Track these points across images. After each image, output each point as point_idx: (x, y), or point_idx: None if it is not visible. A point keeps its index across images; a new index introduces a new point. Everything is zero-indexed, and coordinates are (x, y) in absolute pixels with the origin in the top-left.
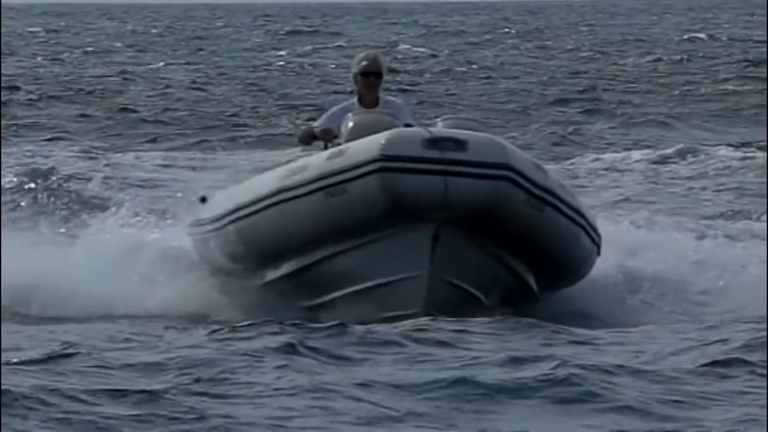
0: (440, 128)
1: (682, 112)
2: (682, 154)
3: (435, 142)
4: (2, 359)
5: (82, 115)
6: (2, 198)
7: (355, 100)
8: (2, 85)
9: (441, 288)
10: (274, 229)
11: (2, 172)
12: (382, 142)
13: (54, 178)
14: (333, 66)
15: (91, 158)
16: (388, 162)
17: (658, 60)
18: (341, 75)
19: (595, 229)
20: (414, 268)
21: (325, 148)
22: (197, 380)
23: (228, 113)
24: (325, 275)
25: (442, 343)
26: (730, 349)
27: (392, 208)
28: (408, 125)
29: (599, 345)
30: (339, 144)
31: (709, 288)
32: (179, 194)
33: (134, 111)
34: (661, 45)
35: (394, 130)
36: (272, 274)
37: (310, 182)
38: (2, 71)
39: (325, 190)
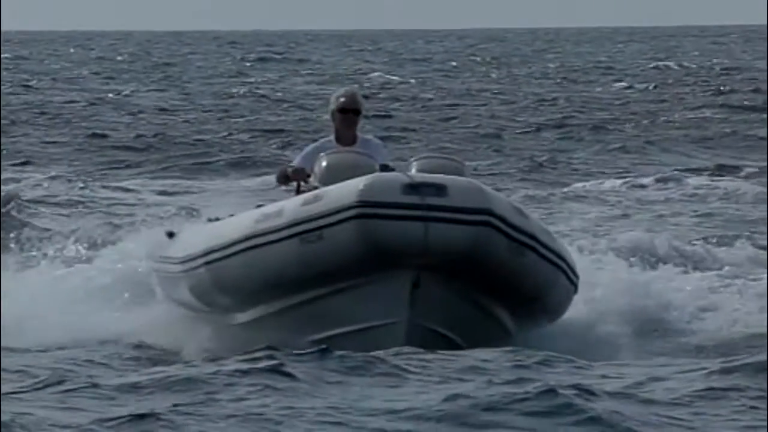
0: (419, 173)
1: (656, 139)
2: (659, 181)
3: (414, 187)
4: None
5: (52, 142)
6: None
7: (332, 137)
8: None
9: (419, 333)
10: (247, 274)
11: None
12: (360, 187)
13: (12, 204)
14: (302, 92)
15: (60, 183)
16: (366, 208)
17: (629, 87)
18: (310, 102)
19: (573, 270)
20: (393, 315)
21: (298, 187)
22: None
23: (198, 139)
24: (300, 319)
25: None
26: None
27: (371, 254)
28: (384, 166)
29: (575, 367)
30: (312, 184)
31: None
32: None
33: (104, 136)
34: (630, 73)
35: (372, 175)
36: (245, 317)
37: (284, 228)
38: None
39: (300, 236)
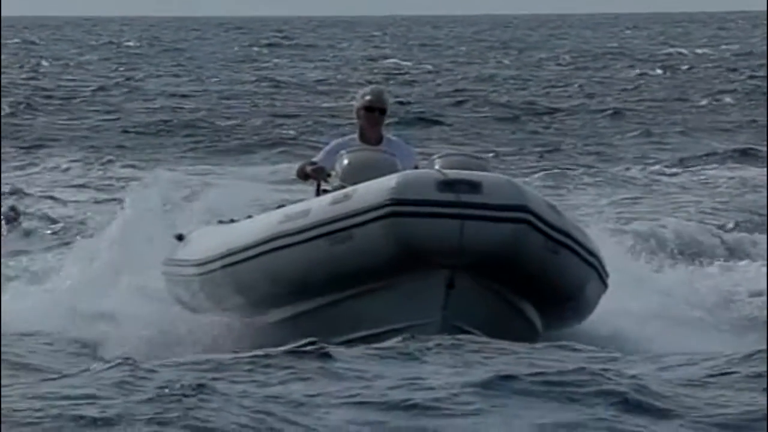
0: (453, 170)
1: (675, 126)
2: (678, 167)
3: (449, 184)
4: None
5: (65, 126)
6: None
7: (356, 135)
8: None
9: (451, 333)
10: (270, 277)
11: None
12: (392, 184)
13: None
14: (315, 78)
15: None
16: (399, 206)
17: (643, 74)
18: (325, 88)
19: (604, 267)
20: (426, 316)
21: (318, 186)
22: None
23: (211, 123)
24: (327, 321)
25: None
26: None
27: (403, 254)
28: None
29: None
30: (333, 182)
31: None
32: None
33: (117, 120)
34: (642, 59)
35: (404, 172)
36: (267, 319)
37: (311, 228)
38: None
39: (328, 237)
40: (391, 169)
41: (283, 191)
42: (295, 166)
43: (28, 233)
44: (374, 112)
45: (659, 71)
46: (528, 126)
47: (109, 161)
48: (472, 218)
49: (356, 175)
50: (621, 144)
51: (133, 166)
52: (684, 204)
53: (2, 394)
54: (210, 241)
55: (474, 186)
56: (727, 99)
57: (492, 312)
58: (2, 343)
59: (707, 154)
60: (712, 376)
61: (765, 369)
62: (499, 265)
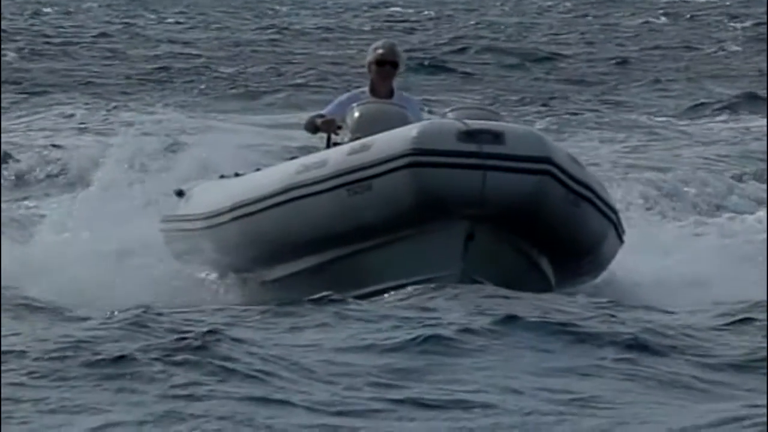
0: (475, 120)
1: (680, 74)
2: (684, 115)
3: (471, 134)
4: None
5: (70, 71)
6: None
7: (366, 89)
8: None
9: (475, 289)
10: (286, 228)
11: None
12: (413, 134)
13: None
14: (316, 25)
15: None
16: (420, 156)
17: (645, 22)
18: (327, 35)
19: (621, 223)
20: (444, 268)
21: (328, 139)
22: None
23: (213, 69)
24: (342, 274)
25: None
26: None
27: (424, 205)
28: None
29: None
30: (347, 135)
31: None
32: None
33: (119, 66)
34: (643, 7)
35: (425, 122)
36: (279, 272)
37: (329, 178)
38: None
39: (347, 187)
40: (403, 123)
41: (283, 138)
42: (303, 115)
43: (21, 178)
44: (385, 65)
45: (663, 19)
46: (531, 73)
47: (114, 107)
48: (494, 169)
49: (367, 127)
50: (627, 92)
51: (135, 111)
52: (693, 153)
53: (14, 334)
54: (217, 194)
55: (496, 136)
56: (733, 47)
57: (509, 266)
58: (17, 287)
59: (713, 102)
60: (731, 323)
61: None
62: (520, 217)
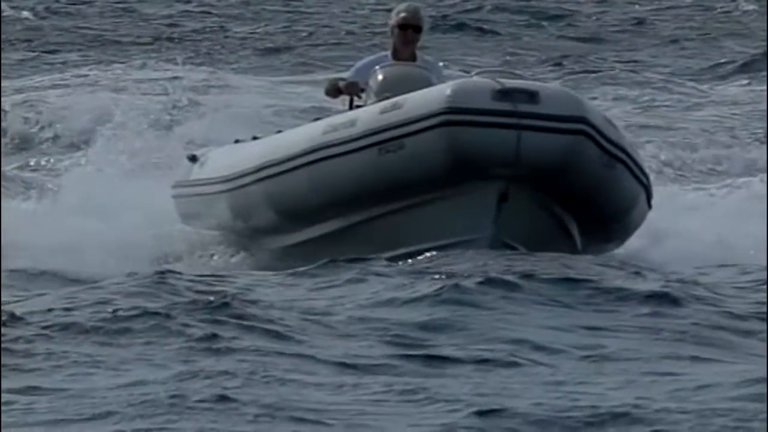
0: (509, 80)
1: (693, 34)
2: (699, 77)
3: (506, 93)
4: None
5: (74, 31)
6: None
7: (388, 53)
8: None
9: (498, 249)
10: (313, 189)
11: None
12: (448, 93)
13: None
14: None
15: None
16: (454, 115)
17: None
18: None
19: (651, 188)
20: (475, 230)
21: (350, 102)
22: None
23: (229, 30)
24: (370, 236)
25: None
26: None
27: (458, 164)
28: None
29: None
30: (371, 99)
31: None
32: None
33: (131, 24)
34: None
35: (460, 80)
36: (304, 235)
37: (359, 138)
38: None
39: (378, 146)
40: (427, 86)
41: (296, 98)
42: (317, 76)
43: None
44: (408, 29)
45: None
46: (546, 31)
47: (128, 65)
48: (530, 129)
49: (391, 90)
50: (645, 52)
51: (148, 68)
52: (708, 113)
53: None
54: (238, 156)
55: (531, 96)
56: (748, 6)
57: (541, 229)
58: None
59: (728, 62)
60: (755, 281)
61: None
62: (555, 177)
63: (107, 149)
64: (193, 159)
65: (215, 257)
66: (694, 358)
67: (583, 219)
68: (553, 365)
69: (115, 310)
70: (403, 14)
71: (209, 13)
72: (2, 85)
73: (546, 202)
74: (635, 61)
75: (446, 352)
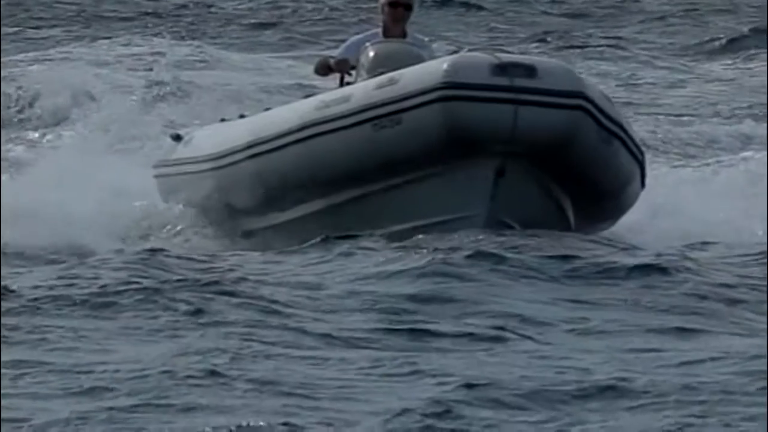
0: (507, 54)
1: (686, 7)
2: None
3: (503, 68)
4: None
5: (58, 7)
6: None
7: (378, 30)
8: None
9: (494, 228)
10: (308, 164)
11: None
12: (445, 67)
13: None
14: None
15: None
16: (452, 90)
17: None
18: None
19: (645, 164)
20: (472, 207)
21: (341, 80)
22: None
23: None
24: (363, 213)
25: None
26: None
27: (455, 139)
28: None
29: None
30: (362, 76)
31: None
32: None
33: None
34: None
35: (457, 55)
36: (295, 213)
37: (354, 113)
38: None
39: (373, 122)
40: (418, 63)
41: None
42: (301, 53)
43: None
44: (398, 7)
45: None
46: (532, 7)
47: (112, 41)
48: (527, 103)
49: (382, 67)
50: (630, 29)
51: (134, 44)
52: (694, 91)
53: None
54: (227, 133)
55: (529, 70)
56: None
57: (535, 206)
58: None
59: (716, 39)
60: (746, 255)
61: None
62: (552, 153)
63: (85, 126)
64: (177, 138)
65: (182, 236)
66: (681, 331)
67: (578, 196)
68: (540, 338)
69: (103, 286)
70: None
71: None
72: None
73: (542, 179)
74: (620, 38)
75: (433, 326)
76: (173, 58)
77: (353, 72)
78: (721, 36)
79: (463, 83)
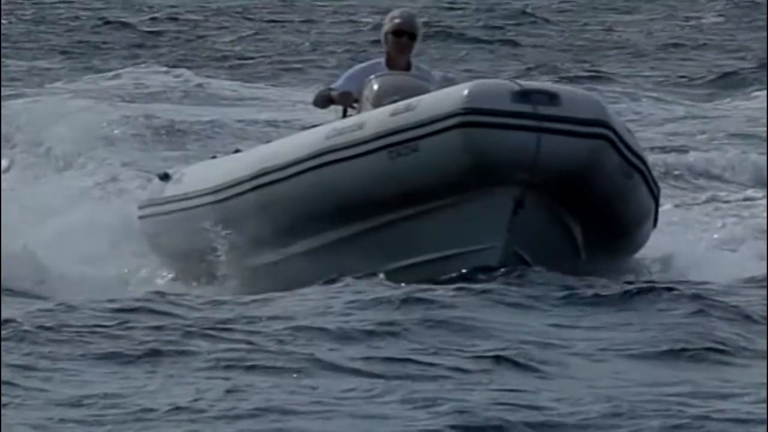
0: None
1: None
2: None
3: (526, 94)
4: None
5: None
6: None
7: (381, 60)
8: None
9: (509, 261)
10: (316, 195)
11: None
12: (465, 93)
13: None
14: None
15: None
16: (473, 115)
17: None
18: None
19: (659, 202)
20: (488, 240)
21: (344, 113)
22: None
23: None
24: (377, 246)
25: None
26: None
27: (475, 167)
28: None
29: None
30: (367, 108)
31: None
32: None
33: (114, 28)
34: None
35: (477, 81)
36: (304, 246)
37: (368, 141)
38: None
39: (389, 149)
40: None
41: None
42: (291, 90)
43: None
44: (403, 36)
45: None
46: (513, 42)
47: (116, 74)
48: (550, 131)
49: (387, 100)
50: (611, 63)
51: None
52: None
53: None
54: (226, 167)
55: (552, 97)
56: (713, 18)
57: (550, 240)
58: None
59: (696, 78)
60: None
61: None
62: (573, 183)
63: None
64: (165, 177)
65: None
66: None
67: (592, 231)
68: (538, 365)
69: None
70: (397, 20)
71: (176, 19)
72: None
73: (559, 211)
74: (599, 71)
75: (422, 354)
76: (153, 89)
77: (356, 105)
78: (704, 75)
79: (484, 109)
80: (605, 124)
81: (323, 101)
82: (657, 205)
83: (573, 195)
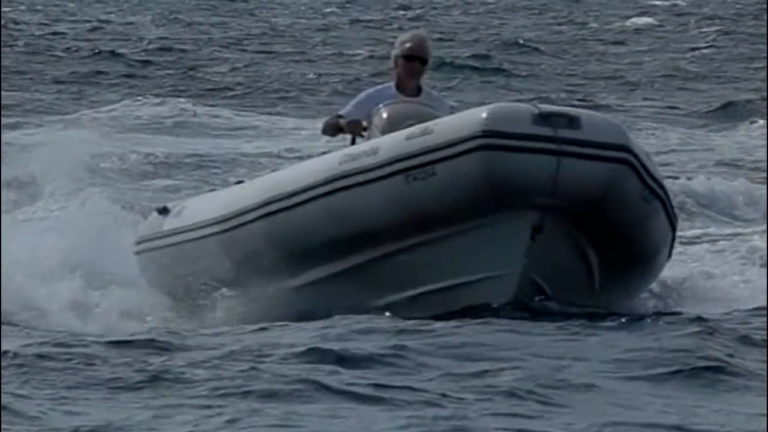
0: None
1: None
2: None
3: (546, 117)
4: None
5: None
6: None
7: (392, 84)
8: None
9: (527, 287)
10: (329, 221)
11: None
12: (484, 116)
13: None
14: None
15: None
16: (492, 138)
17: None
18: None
19: (676, 232)
20: (505, 266)
21: (353, 141)
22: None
23: (208, 71)
24: (392, 273)
25: None
26: None
27: (494, 191)
28: None
29: None
30: (370, 136)
31: None
32: None
33: (109, 59)
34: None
35: (496, 104)
36: (311, 276)
37: (383, 165)
38: None
39: (405, 174)
40: None
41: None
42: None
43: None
44: (414, 61)
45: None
46: (502, 65)
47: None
48: (571, 155)
49: (397, 129)
50: (604, 94)
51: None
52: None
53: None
54: (230, 197)
55: (572, 121)
56: (705, 50)
57: (567, 266)
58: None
59: (693, 112)
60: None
61: None
62: (593, 208)
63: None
64: (164, 211)
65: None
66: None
67: (609, 257)
68: (539, 394)
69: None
70: (408, 44)
71: (174, 48)
72: None
73: (577, 236)
74: (594, 102)
75: (416, 383)
76: (150, 119)
77: (365, 133)
78: (699, 108)
79: (504, 132)
80: (626, 149)
81: (332, 129)
82: (674, 234)
83: (592, 220)
